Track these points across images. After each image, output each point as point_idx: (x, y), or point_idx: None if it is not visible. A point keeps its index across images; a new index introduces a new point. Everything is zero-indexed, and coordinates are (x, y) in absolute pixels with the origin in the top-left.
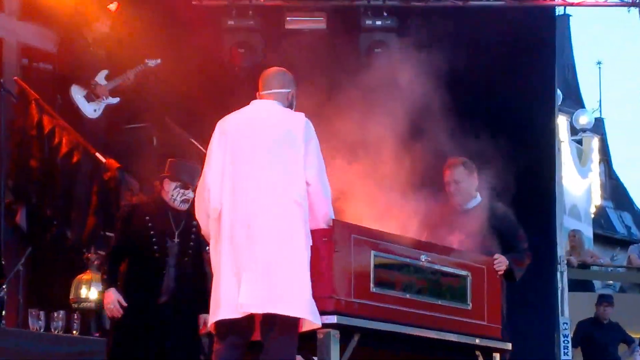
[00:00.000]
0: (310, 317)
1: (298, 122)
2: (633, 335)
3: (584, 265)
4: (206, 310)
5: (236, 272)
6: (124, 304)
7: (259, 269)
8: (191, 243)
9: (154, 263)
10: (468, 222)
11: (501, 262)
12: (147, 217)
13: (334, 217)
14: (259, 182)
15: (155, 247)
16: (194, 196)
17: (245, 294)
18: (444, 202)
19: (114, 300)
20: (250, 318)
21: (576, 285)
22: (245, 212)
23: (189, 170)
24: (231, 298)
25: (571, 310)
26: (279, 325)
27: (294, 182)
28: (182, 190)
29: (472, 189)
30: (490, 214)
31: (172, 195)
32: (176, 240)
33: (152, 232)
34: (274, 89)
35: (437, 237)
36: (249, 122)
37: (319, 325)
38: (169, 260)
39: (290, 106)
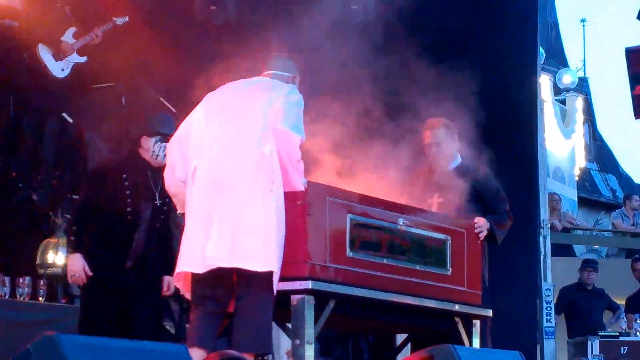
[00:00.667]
0: (274, 269)
1: (282, 86)
2: (618, 302)
3: (567, 229)
4: (171, 273)
5: (205, 228)
6: (89, 273)
7: (226, 225)
8: (165, 207)
9: (126, 226)
10: (448, 184)
11: (482, 226)
12: (124, 176)
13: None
14: (232, 140)
15: (129, 208)
16: None
17: (212, 248)
18: (423, 164)
19: (79, 269)
20: (226, 284)
21: (556, 250)
22: (220, 167)
23: (166, 121)
24: (197, 252)
25: (553, 275)
26: (253, 285)
27: (265, 139)
28: (163, 144)
29: (452, 150)
30: (470, 175)
31: (154, 151)
32: (158, 201)
33: (127, 192)
34: (273, 70)
35: (415, 199)
36: (235, 87)
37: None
38: (141, 224)
39: None
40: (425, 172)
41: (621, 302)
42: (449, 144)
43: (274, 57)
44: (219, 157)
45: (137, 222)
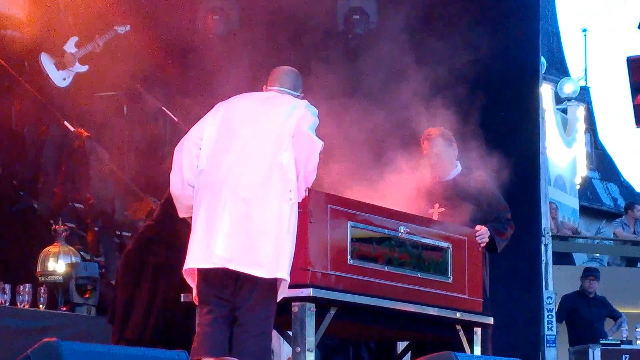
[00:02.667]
0: (285, 276)
1: (296, 100)
2: (620, 310)
3: (564, 237)
4: None
5: (213, 227)
6: None
7: (238, 227)
8: None
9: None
10: (448, 192)
11: (483, 234)
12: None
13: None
14: (246, 145)
15: None
16: None
17: (222, 247)
18: (423, 173)
19: None
20: (233, 285)
21: (556, 259)
22: (233, 170)
23: None
24: (204, 248)
25: (554, 283)
26: (257, 292)
27: (283, 148)
28: None
29: (452, 159)
30: (471, 184)
31: None
32: None
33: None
34: (284, 87)
35: (416, 208)
36: (248, 97)
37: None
38: None
39: None
40: (426, 182)
41: (622, 310)
42: (448, 153)
43: (283, 73)
44: (232, 161)
45: None
